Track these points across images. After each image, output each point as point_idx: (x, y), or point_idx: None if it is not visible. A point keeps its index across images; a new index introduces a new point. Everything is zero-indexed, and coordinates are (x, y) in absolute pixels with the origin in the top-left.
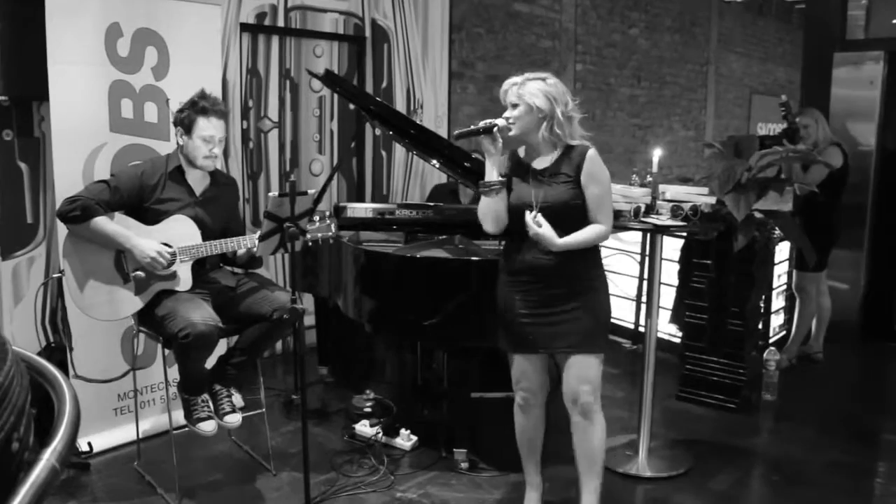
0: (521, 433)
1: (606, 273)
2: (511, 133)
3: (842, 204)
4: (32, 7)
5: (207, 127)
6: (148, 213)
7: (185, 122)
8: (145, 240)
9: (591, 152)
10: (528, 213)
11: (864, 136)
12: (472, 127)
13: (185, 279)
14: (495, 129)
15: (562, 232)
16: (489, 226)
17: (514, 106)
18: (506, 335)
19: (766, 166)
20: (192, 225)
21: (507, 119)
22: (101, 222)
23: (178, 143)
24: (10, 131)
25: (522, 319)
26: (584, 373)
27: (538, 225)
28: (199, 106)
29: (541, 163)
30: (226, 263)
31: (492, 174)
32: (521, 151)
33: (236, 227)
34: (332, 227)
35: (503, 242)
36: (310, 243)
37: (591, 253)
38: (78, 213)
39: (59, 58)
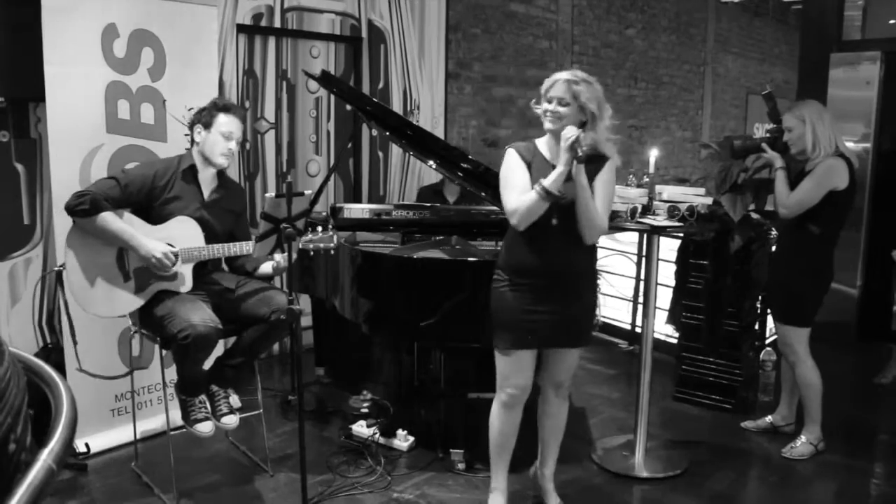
0: (501, 433)
1: (602, 273)
2: (551, 126)
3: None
4: (28, 8)
5: (228, 123)
6: (154, 213)
7: (205, 118)
8: (150, 240)
9: (611, 164)
10: (571, 129)
11: (861, 137)
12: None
13: (186, 280)
14: (575, 141)
15: (575, 233)
16: (525, 223)
17: (563, 103)
18: (508, 331)
19: (763, 167)
20: (196, 227)
21: (544, 112)
22: (108, 218)
23: (194, 142)
24: (7, 133)
25: (531, 316)
26: (572, 364)
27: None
28: (220, 104)
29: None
30: (239, 274)
31: (558, 183)
32: (544, 148)
33: (242, 235)
34: (335, 238)
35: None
36: (311, 253)
37: (594, 253)
38: (87, 206)
39: (56, 59)
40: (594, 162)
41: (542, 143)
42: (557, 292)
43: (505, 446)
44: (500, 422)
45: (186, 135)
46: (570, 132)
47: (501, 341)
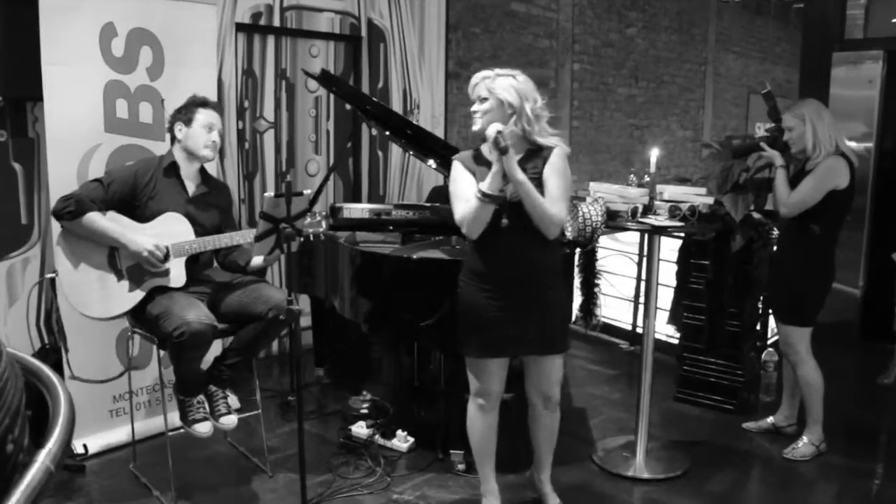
0: (482, 437)
1: (603, 274)
2: (476, 127)
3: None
4: (27, 7)
5: (208, 115)
6: (139, 211)
7: (184, 115)
8: (139, 236)
9: (559, 150)
10: (493, 126)
11: (863, 136)
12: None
13: (178, 276)
14: (497, 134)
15: (531, 230)
16: (475, 230)
17: (483, 100)
18: (479, 340)
19: (764, 166)
20: (185, 221)
21: (474, 112)
22: (95, 218)
23: (175, 140)
24: (5, 132)
25: (500, 323)
26: (556, 373)
27: (504, 144)
28: (198, 100)
29: None
30: (232, 270)
31: (495, 184)
32: (486, 149)
33: (231, 231)
34: (323, 223)
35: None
36: (301, 238)
37: (560, 256)
38: (73, 208)
39: (54, 58)
40: (534, 157)
41: (485, 148)
42: (521, 295)
43: (487, 447)
44: (479, 424)
45: (171, 133)
46: (492, 129)
47: (469, 348)
